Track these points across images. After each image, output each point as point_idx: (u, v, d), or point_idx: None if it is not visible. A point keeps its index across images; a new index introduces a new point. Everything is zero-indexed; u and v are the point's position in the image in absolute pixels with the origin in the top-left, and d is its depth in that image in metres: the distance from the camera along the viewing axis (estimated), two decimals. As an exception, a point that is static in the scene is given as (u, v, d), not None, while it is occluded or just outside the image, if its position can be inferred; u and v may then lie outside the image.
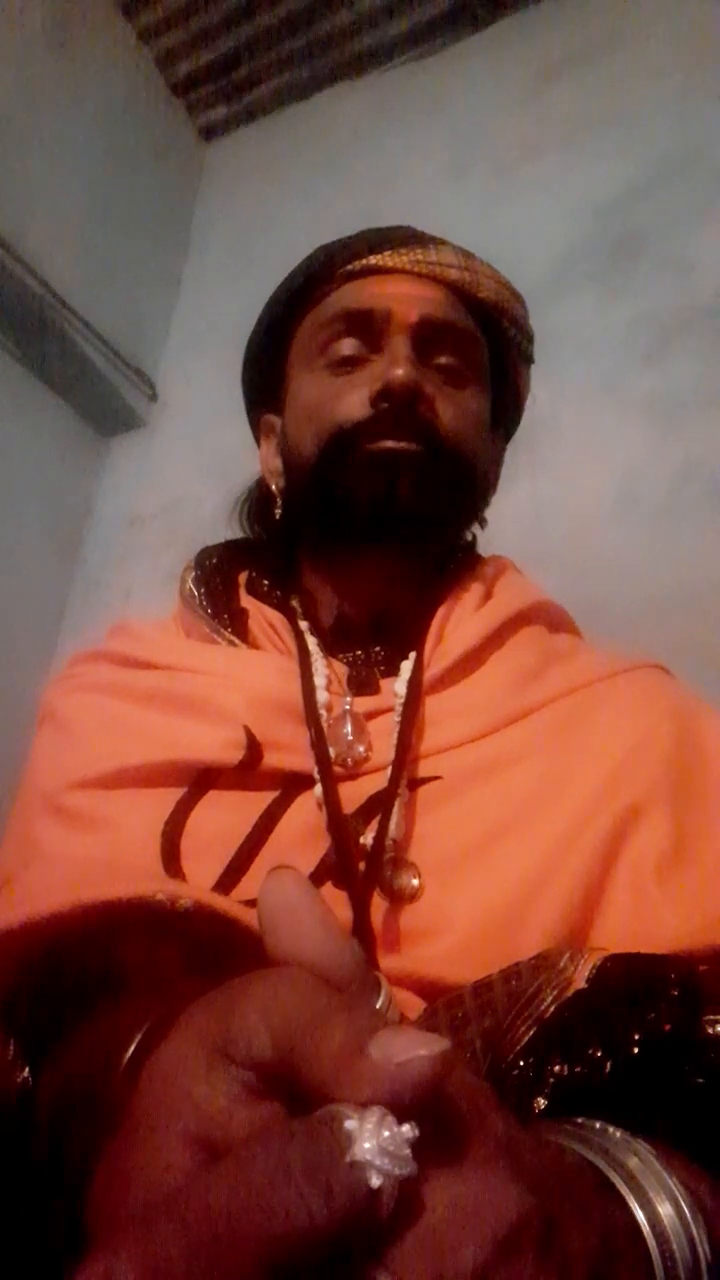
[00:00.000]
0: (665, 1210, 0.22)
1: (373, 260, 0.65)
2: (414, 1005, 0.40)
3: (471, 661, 0.59)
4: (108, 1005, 0.33)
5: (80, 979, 0.37)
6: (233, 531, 0.75)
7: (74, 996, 0.36)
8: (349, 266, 0.66)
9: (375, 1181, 0.19)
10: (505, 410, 0.73)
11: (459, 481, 0.62)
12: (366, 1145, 0.19)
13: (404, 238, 0.67)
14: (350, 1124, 0.20)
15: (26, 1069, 0.34)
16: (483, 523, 0.71)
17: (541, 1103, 0.29)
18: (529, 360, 0.73)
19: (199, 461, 1.71)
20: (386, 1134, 0.20)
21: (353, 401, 0.61)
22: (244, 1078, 0.22)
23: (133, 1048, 0.27)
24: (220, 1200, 0.18)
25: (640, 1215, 0.22)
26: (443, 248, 0.67)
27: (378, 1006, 0.25)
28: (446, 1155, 0.21)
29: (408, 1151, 0.20)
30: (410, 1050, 0.21)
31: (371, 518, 0.59)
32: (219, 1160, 0.20)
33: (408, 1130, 0.20)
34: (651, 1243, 0.22)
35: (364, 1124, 0.20)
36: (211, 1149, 0.22)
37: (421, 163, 1.76)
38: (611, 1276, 0.21)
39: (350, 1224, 0.19)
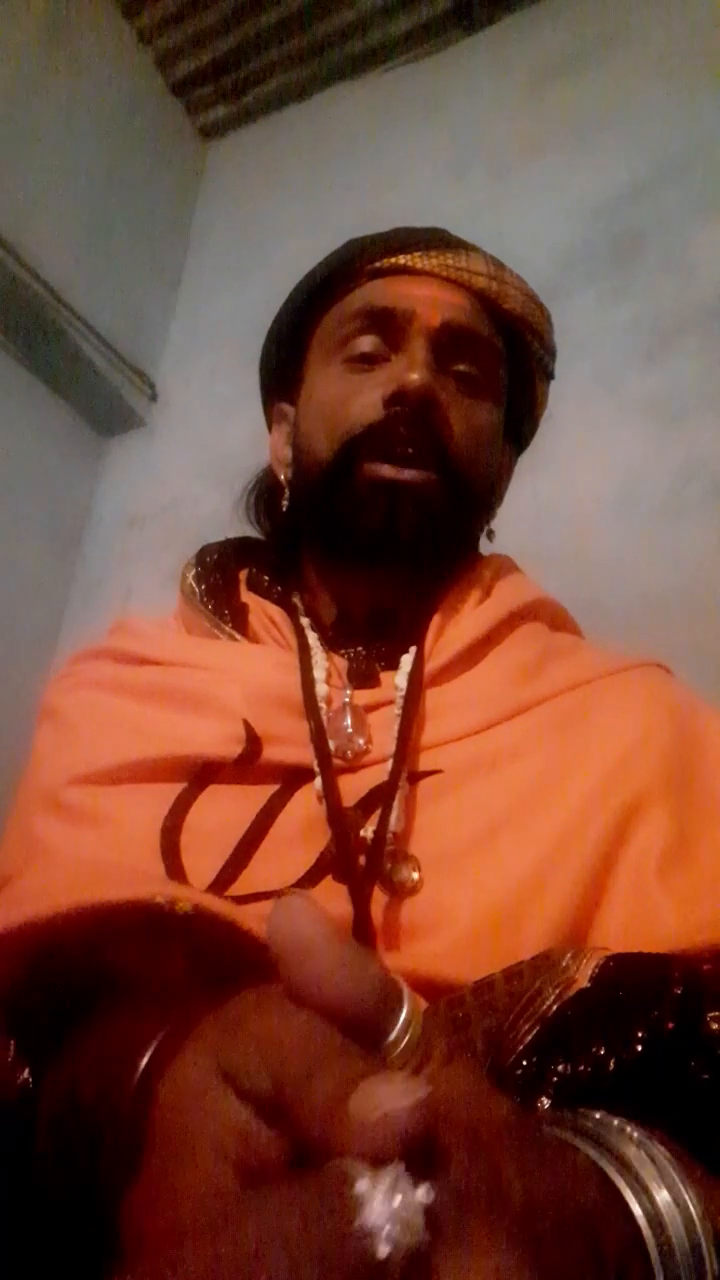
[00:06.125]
0: (670, 1213, 0.22)
1: (401, 259, 0.64)
2: (415, 1004, 0.40)
3: (472, 656, 0.59)
4: (109, 1006, 0.33)
5: (81, 979, 0.37)
6: (234, 530, 0.75)
7: (74, 997, 0.35)
8: (377, 263, 0.65)
9: (383, 1251, 0.18)
10: (520, 424, 0.72)
11: (464, 506, 0.62)
12: (378, 1210, 0.18)
13: (435, 240, 0.66)
14: (362, 1186, 0.19)
15: (27, 1069, 0.33)
16: (490, 535, 0.70)
17: (545, 1102, 0.29)
18: (549, 376, 0.72)
19: (199, 461, 1.71)
20: (399, 1199, 0.19)
21: (366, 402, 0.60)
22: (252, 1108, 0.23)
23: (144, 1062, 0.27)
24: (212, 1262, 0.18)
25: (642, 1213, 0.22)
26: (473, 254, 0.66)
27: (399, 1023, 0.24)
28: (461, 1226, 0.20)
29: (420, 1219, 0.19)
30: (391, 1102, 0.20)
31: (370, 546, 0.59)
32: (257, 1186, 0.21)
33: (422, 1195, 0.19)
34: (654, 1253, 0.22)
35: (376, 1187, 0.19)
36: (249, 1171, 0.22)
37: (421, 163, 1.76)
38: None
39: None
